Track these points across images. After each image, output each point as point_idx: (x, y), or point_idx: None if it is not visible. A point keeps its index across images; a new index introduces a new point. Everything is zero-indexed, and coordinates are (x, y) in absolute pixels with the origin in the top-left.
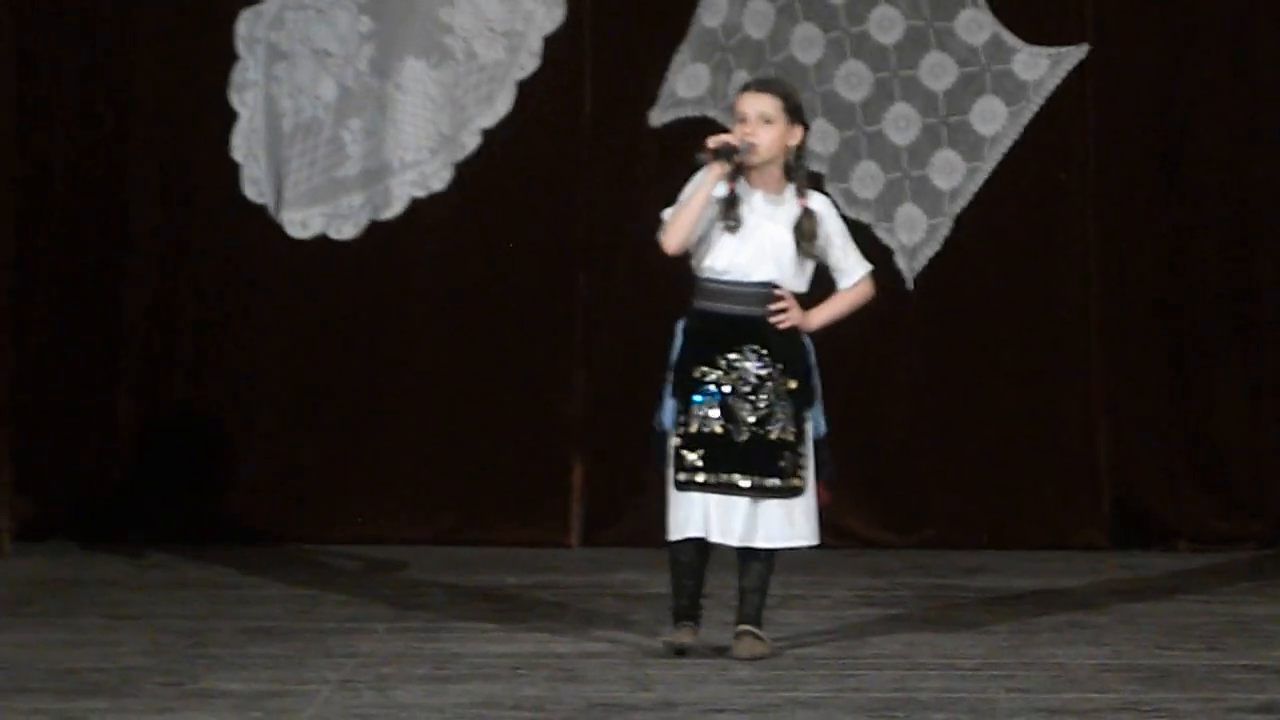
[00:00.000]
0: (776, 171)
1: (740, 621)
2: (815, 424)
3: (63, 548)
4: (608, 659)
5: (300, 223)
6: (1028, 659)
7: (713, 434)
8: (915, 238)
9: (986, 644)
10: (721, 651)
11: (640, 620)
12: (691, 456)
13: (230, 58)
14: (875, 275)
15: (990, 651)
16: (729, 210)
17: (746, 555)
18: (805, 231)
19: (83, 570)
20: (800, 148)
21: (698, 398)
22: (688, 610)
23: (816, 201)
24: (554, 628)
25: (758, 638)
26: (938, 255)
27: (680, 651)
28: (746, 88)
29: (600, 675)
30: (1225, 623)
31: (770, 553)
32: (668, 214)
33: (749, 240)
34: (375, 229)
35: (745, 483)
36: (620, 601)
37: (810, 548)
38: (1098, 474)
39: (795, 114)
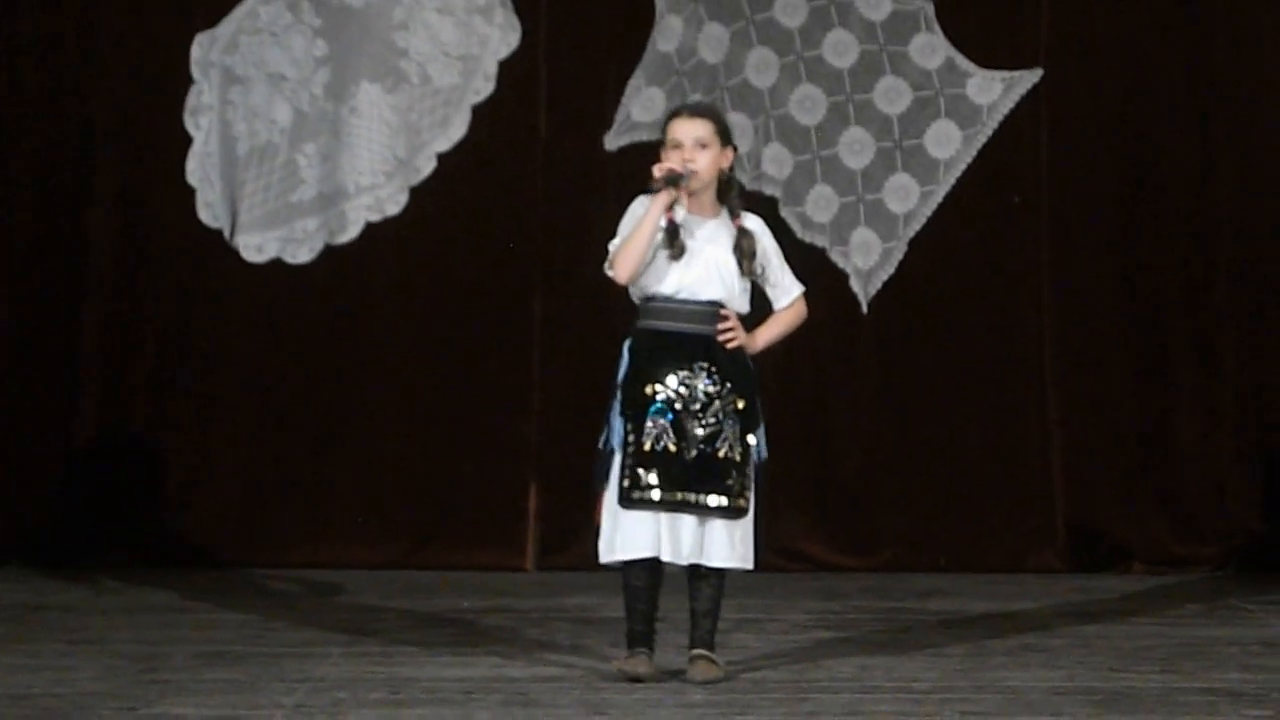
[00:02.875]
0: (711, 196)
1: (694, 645)
2: (759, 447)
3: (17, 572)
4: (562, 683)
5: (255, 247)
6: (982, 682)
7: (665, 451)
8: (870, 261)
9: (941, 667)
10: (676, 675)
11: (594, 644)
12: (645, 475)
13: (185, 82)
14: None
15: (944, 675)
16: (672, 240)
17: (697, 577)
18: (745, 250)
19: (38, 595)
20: (731, 169)
21: (650, 415)
22: (642, 635)
23: (751, 221)
24: (508, 652)
25: (712, 661)
26: (892, 279)
27: (635, 680)
28: (678, 113)
29: (554, 699)
30: (1179, 645)
31: (720, 575)
32: (614, 246)
33: (694, 262)
34: (330, 253)
35: (694, 501)
36: (575, 626)
37: (760, 570)
38: (1052, 497)
39: (726, 136)
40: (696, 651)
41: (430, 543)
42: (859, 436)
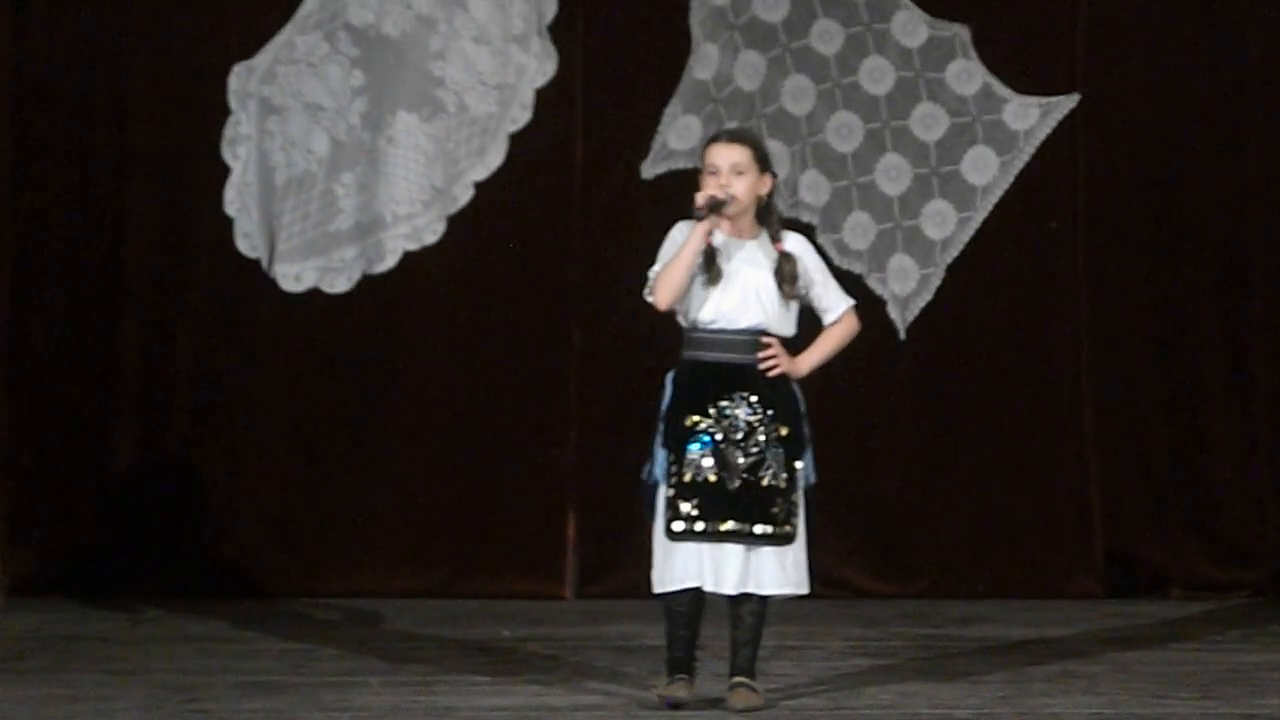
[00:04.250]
0: (750, 220)
1: (734, 673)
2: (805, 472)
3: (57, 602)
4: (602, 711)
5: (293, 276)
6: (1022, 709)
7: (706, 482)
8: (907, 288)
9: (981, 694)
10: (716, 703)
11: (634, 672)
12: (686, 506)
13: (223, 112)
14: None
15: (985, 701)
16: (709, 264)
17: (739, 605)
18: (786, 274)
19: (77, 625)
20: (770, 195)
21: (691, 446)
22: (683, 662)
23: (792, 243)
24: (548, 680)
25: (752, 689)
26: (930, 305)
27: (675, 705)
28: (716, 139)
29: None
30: (1219, 671)
31: (763, 602)
32: (654, 273)
33: (732, 288)
34: (368, 282)
35: (739, 530)
36: (614, 653)
37: (801, 597)
38: (1091, 522)
39: (764, 163)
40: (737, 679)
41: (469, 571)
42: (897, 463)
